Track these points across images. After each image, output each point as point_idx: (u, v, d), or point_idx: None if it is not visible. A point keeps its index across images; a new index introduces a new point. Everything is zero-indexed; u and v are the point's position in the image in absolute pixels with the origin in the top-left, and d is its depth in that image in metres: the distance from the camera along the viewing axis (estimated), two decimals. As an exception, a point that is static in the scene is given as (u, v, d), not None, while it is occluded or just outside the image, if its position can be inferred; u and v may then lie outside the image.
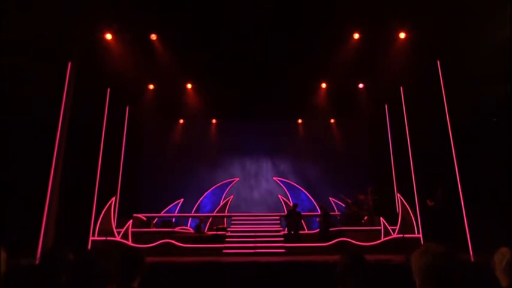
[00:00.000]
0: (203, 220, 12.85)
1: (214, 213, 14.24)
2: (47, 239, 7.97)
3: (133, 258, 2.30)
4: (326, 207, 11.79)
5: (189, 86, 13.02)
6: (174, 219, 13.46)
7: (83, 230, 9.77)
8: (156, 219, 13.21)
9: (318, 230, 11.65)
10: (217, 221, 13.44)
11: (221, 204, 14.65)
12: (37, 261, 6.59)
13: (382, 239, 10.54)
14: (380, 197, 12.29)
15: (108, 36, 9.64)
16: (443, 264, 1.67)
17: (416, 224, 10.70)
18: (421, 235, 10.45)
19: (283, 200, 14.84)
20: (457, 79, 8.64)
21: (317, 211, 13.11)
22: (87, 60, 9.56)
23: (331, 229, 11.15)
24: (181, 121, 15.54)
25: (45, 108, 8.21)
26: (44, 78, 8.16)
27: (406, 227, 10.61)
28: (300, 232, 11.50)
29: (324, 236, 10.83)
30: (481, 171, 7.68)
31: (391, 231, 10.74)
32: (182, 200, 14.55)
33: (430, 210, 9.72)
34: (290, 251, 10.19)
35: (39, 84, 8.00)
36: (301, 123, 15.91)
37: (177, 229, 12.10)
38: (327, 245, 10.28)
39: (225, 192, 15.10)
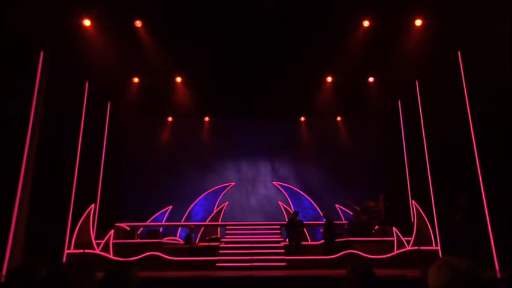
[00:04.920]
0: (194, 230, 12.81)
1: (206, 222, 14.25)
2: (14, 253, 7.89)
3: (123, 276, 2.22)
4: (330, 216, 11.76)
5: (179, 79, 12.99)
6: (161, 229, 13.41)
7: (57, 242, 9.71)
8: (141, 229, 13.21)
9: (321, 241, 11.63)
10: (210, 231, 13.46)
11: (214, 211, 14.66)
12: (3, 279, 6.52)
13: (395, 252, 10.54)
14: (393, 204, 12.25)
15: (87, 22, 9.61)
16: (465, 281, 1.62)
17: (434, 234, 10.68)
18: (439, 247, 10.44)
19: (284, 207, 14.82)
20: (480, 71, 8.59)
21: (322, 220, 13.08)
22: (62, 49, 9.51)
23: (336, 240, 11.13)
24: (169, 119, 15.53)
25: (14, 103, 8.11)
26: (12, 69, 8.07)
27: (422, 238, 10.60)
28: (303, 243, 11.49)
29: (328, 248, 10.81)
30: (508, 175, 7.61)
31: (405, 242, 10.73)
32: (171, 207, 14.55)
33: (458, 223, 9.63)
34: (291, 264, 10.22)
35: (6, 77, 7.91)
36: (303, 121, 15.92)
37: (164, 240, 12.09)
38: (332, 258, 10.28)
39: (219, 199, 15.08)
